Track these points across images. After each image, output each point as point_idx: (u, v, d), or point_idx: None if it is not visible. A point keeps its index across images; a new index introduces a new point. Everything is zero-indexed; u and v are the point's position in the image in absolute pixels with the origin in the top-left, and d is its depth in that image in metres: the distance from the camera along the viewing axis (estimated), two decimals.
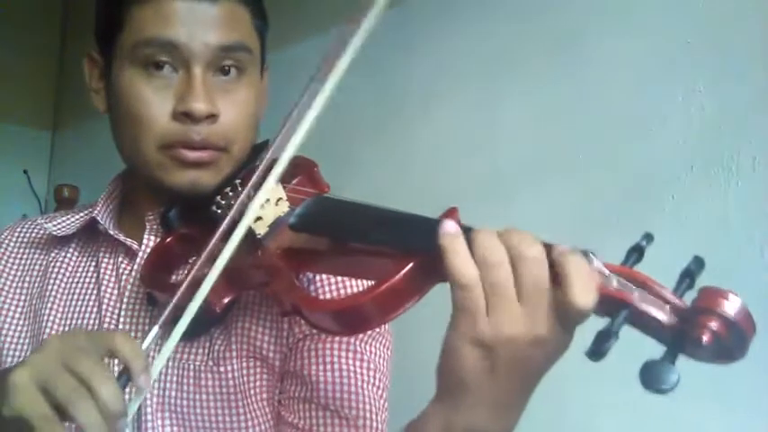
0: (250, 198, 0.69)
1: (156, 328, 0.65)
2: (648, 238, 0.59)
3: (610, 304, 0.55)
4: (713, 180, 1.15)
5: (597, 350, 0.52)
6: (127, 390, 0.61)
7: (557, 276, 0.56)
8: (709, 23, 1.19)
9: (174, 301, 0.66)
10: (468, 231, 0.59)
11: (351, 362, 0.81)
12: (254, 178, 0.71)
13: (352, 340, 0.82)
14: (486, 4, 1.56)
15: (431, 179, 1.62)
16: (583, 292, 0.54)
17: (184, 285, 0.67)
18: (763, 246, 1.08)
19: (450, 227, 0.58)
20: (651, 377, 0.51)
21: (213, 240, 0.67)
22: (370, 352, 0.83)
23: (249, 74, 0.84)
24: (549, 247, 0.57)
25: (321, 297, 0.82)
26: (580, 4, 1.39)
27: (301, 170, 0.80)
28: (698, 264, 0.57)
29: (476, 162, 1.53)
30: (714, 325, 0.51)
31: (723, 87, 1.16)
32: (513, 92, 1.48)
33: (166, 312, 0.66)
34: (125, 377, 0.61)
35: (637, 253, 0.58)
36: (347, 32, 0.63)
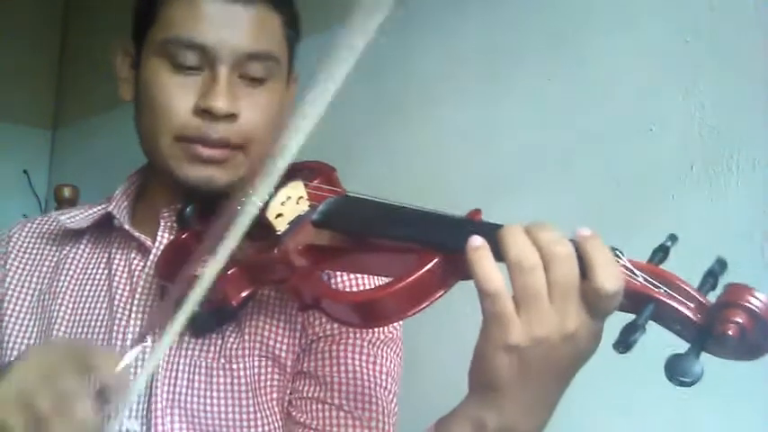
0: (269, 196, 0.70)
1: (139, 347, 0.67)
2: (673, 238, 0.60)
3: (636, 299, 0.56)
4: (713, 180, 1.15)
5: (624, 341, 0.53)
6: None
7: (582, 266, 0.56)
8: (709, 23, 1.19)
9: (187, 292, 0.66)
10: (494, 229, 0.59)
11: (364, 364, 0.82)
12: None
13: (366, 344, 0.83)
14: (487, 2, 1.56)
15: (430, 177, 1.62)
16: (609, 277, 0.55)
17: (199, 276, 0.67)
18: (764, 246, 1.08)
19: (476, 241, 0.58)
20: (676, 369, 0.52)
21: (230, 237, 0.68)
22: (383, 356, 0.83)
23: (274, 80, 0.85)
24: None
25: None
26: (580, 4, 1.39)
27: (320, 174, 0.81)
28: (721, 265, 0.58)
29: (476, 160, 1.53)
30: (740, 318, 0.52)
31: (723, 87, 1.16)
32: (512, 90, 1.48)
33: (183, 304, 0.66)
34: (104, 394, 0.62)
35: (662, 252, 0.60)
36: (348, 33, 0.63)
